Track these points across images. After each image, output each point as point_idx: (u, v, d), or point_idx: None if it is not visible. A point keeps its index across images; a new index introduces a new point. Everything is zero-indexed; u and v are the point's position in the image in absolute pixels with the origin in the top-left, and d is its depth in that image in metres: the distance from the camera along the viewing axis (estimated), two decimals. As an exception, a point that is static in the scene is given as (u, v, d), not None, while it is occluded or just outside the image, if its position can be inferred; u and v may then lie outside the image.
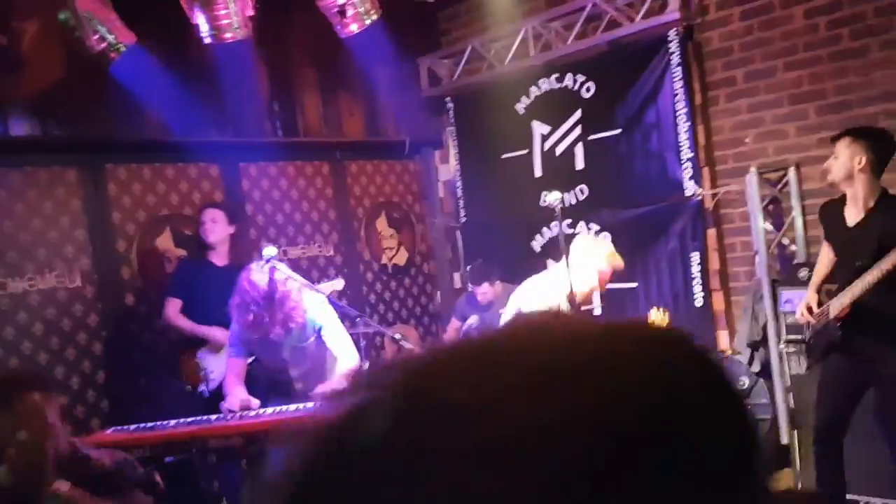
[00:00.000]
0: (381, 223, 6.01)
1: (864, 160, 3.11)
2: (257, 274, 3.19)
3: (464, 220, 5.87)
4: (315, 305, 3.39)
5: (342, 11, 3.63)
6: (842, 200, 3.29)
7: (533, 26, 5.13)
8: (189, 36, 4.06)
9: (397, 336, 3.57)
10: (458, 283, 6.05)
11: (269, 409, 3.12)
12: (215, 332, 3.88)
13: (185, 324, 3.99)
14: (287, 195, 5.36)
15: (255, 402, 3.15)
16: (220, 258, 4.18)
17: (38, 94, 3.96)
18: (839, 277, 3.30)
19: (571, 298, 3.08)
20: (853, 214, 3.21)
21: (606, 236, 4.84)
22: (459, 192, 5.89)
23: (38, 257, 4.12)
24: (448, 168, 6.11)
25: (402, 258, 6.09)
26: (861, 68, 4.06)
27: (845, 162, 3.14)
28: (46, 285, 4.13)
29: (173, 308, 4.05)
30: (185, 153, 4.72)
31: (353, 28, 3.84)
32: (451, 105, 5.86)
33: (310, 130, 5.35)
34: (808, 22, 4.20)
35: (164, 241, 4.67)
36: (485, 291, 4.70)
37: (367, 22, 3.88)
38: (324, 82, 5.37)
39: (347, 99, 5.58)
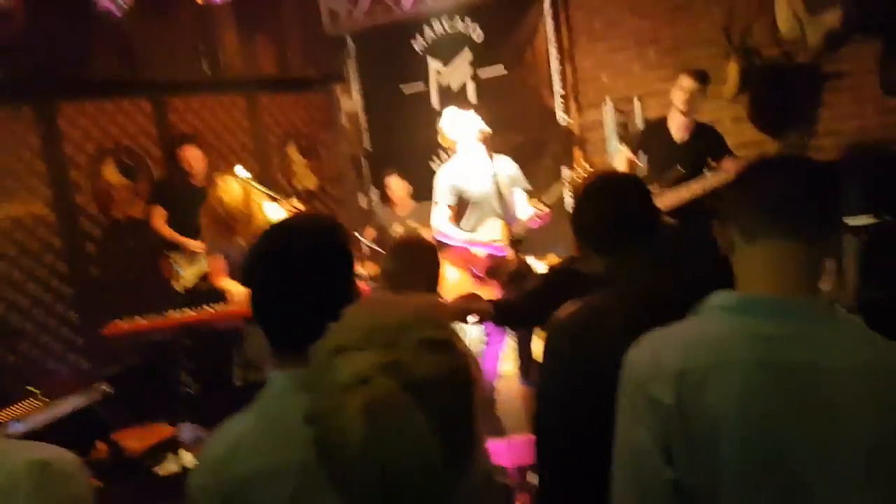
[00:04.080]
0: (292, 151, 6.71)
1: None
2: (230, 185, 3.85)
3: (368, 147, 6.68)
4: (277, 214, 4.15)
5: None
6: (663, 121, 4.46)
7: (427, -25, 5.93)
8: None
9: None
10: (363, 204, 6.90)
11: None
12: (191, 242, 4.63)
13: (168, 233, 4.70)
14: (209, 127, 5.94)
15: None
16: (197, 181, 4.88)
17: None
18: (659, 180, 4.46)
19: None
20: (677, 133, 4.40)
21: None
22: (363, 123, 6.68)
23: (6, 187, 4.57)
24: (350, 100, 6.85)
25: (311, 183, 6.83)
26: (688, 19, 5.21)
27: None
28: (15, 212, 4.61)
29: (159, 217, 4.79)
30: (123, 90, 5.21)
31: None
32: (351, 43, 6.57)
33: (229, 67, 5.91)
34: (650, -19, 5.30)
35: (109, 171, 5.19)
36: (396, 185, 5.59)
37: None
38: (241, 22, 5.91)
39: (261, 38, 6.16)
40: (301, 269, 1.28)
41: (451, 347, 0.94)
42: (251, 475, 1.21)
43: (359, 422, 0.86)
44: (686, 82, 4.30)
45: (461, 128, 3.93)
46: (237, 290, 3.87)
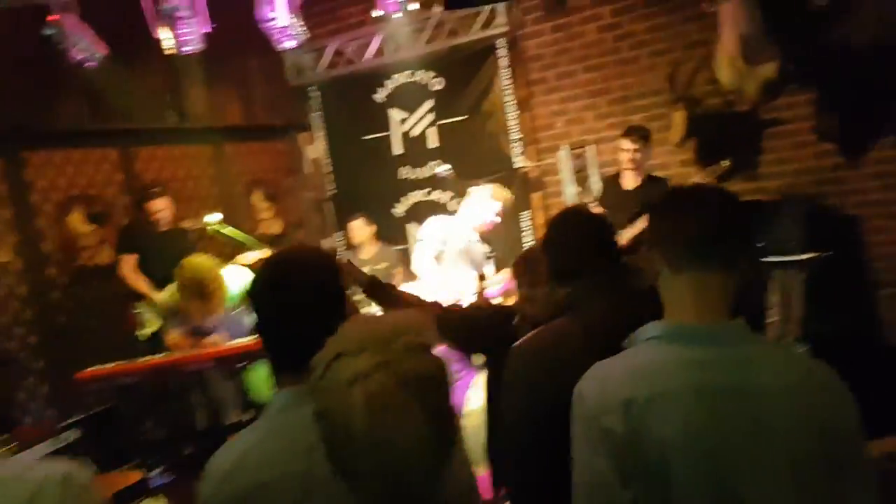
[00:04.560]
0: (258, 198, 6.81)
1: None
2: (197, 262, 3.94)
3: (332, 192, 6.83)
4: (241, 279, 4.25)
5: (283, 30, 4.51)
6: (618, 174, 4.76)
7: (389, 32, 6.17)
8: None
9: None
10: (327, 249, 7.01)
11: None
12: (156, 294, 4.66)
13: (134, 281, 4.72)
14: (175, 175, 6.03)
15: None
16: (163, 227, 4.95)
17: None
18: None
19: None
20: (629, 185, 4.70)
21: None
22: (327, 169, 6.84)
23: (-28, 236, 4.58)
24: (314, 148, 7.01)
25: (277, 228, 6.93)
26: (636, 72, 5.54)
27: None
28: (-19, 260, 4.61)
29: (126, 265, 4.77)
30: (90, 140, 5.29)
31: (289, 44, 4.70)
32: (315, 94, 6.76)
33: (196, 117, 6.04)
34: (599, 36, 5.62)
35: (75, 219, 5.23)
36: (360, 228, 5.72)
37: (301, 39, 4.79)
38: (207, 74, 6.06)
39: (227, 88, 6.31)
40: (305, 296, 1.40)
41: (431, 350, 1.09)
42: (257, 485, 1.30)
43: (362, 413, 1.00)
44: (625, 143, 4.66)
45: (480, 209, 4.32)
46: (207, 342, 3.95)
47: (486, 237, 4.56)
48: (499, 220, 4.36)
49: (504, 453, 1.87)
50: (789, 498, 1.23)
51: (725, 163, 4.45)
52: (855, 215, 4.73)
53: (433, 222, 4.44)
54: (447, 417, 1.08)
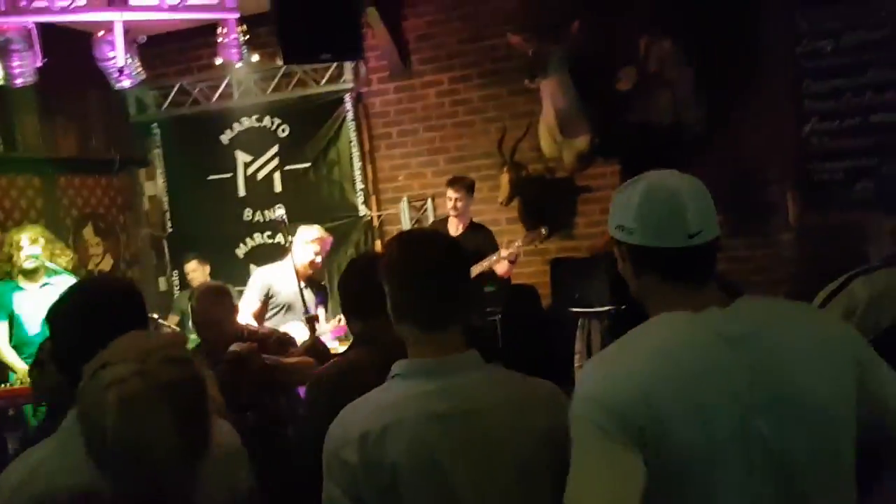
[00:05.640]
0: (88, 232, 6.60)
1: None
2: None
3: (171, 230, 6.76)
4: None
5: (121, 70, 4.49)
6: (447, 219, 5.16)
7: (237, 77, 6.30)
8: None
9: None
10: (163, 287, 6.88)
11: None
12: None
13: None
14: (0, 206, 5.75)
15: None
16: None
17: None
18: None
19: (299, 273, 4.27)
20: (454, 230, 5.11)
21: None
22: (166, 206, 6.77)
23: None
24: (154, 185, 6.92)
25: (107, 264, 6.72)
26: (470, 134, 6.04)
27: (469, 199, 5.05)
28: None
29: None
30: None
31: (126, 83, 4.68)
32: (157, 130, 6.72)
33: (28, 147, 5.82)
34: (438, 100, 6.09)
35: None
36: (193, 269, 5.74)
37: (138, 79, 4.80)
38: (42, 104, 5.87)
39: (64, 120, 6.14)
40: (107, 320, 1.51)
41: (189, 363, 1.29)
42: (51, 493, 1.35)
43: (114, 413, 1.17)
44: (450, 192, 5.10)
45: (304, 250, 4.35)
46: (21, 368, 3.88)
47: (318, 280, 4.69)
48: (318, 259, 4.40)
49: (299, 479, 2.04)
50: (513, 499, 1.40)
51: (544, 230, 4.97)
52: (650, 273, 5.40)
53: (259, 272, 4.54)
54: (199, 422, 1.24)
